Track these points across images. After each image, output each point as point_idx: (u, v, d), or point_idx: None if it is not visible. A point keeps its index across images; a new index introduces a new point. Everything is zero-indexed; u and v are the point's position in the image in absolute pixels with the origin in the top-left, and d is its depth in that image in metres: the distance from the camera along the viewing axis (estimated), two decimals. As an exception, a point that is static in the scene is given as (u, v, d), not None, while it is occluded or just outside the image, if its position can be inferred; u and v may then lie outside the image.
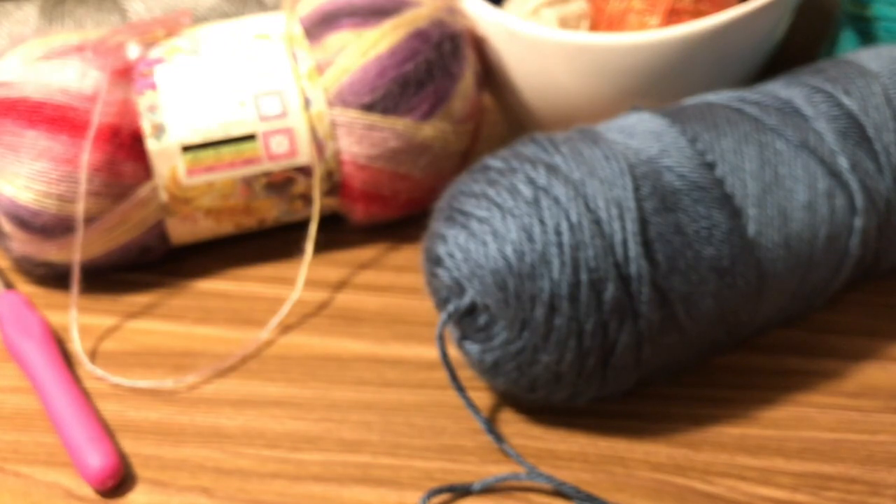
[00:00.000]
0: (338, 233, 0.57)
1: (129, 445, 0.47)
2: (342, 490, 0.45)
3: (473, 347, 0.46)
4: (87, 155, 0.50)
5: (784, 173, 0.46)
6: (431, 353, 0.50)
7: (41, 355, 0.49)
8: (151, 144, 0.52)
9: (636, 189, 0.44)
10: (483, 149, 0.52)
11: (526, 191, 0.44)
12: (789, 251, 0.46)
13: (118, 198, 0.51)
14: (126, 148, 0.51)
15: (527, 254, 0.43)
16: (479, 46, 0.56)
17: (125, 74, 0.52)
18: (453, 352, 0.47)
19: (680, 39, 0.53)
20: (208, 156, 0.52)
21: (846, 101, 0.49)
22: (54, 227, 0.51)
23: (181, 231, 0.54)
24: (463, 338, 0.46)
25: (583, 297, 0.42)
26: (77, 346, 0.51)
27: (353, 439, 0.47)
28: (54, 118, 0.50)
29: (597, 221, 0.43)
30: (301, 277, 0.53)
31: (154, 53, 0.53)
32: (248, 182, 0.53)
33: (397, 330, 0.52)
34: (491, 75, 0.57)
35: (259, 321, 0.53)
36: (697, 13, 0.54)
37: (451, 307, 0.44)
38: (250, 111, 0.52)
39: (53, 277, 0.54)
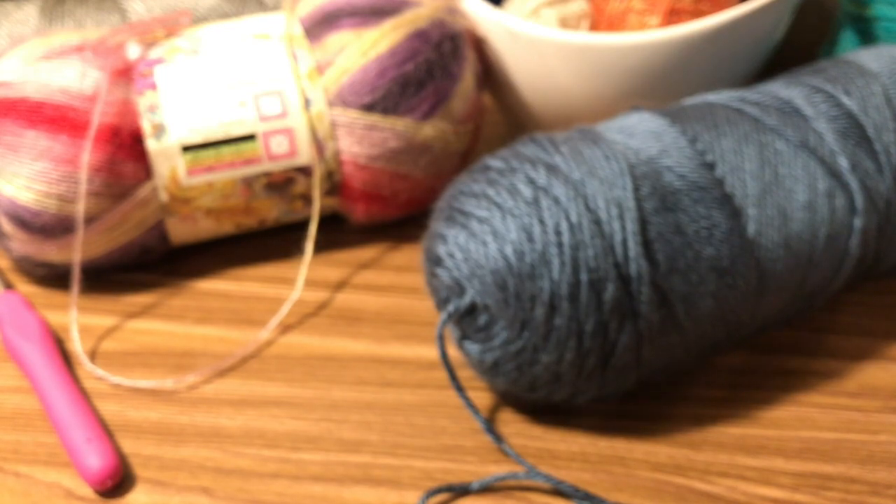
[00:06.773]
0: (338, 233, 0.57)
1: (129, 445, 0.47)
2: (342, 490, 0.45)
3: (473, 347, 0.46)
4: (87, 155, 0.50)
5: (784, 173, 0.46)
6: (431, 353, 0.50)
7: (40, 356, 0.49)
8: (151, 144, 0.52)
9: (636, 189, 0.44)
10: (483, 149, 0.52)
11: (526, 191, 0.44)
12: (789, 251, 0.46)
13: (118, 198, 0.51)
14: (126, 148, 0.51)
15: (527, 254, 0.43)
16: (479, 46, 0.56)
17: (125, 74, 0.52)
18: (453, 352, 0.47)
19: (680, 39, 0.53)
20: (208, 156, 0.52)
21: (846, 101, 0.49)
22: (54, 227, 0.51)
23: (181, 231, 0.54)
24: (463, 338, 0.46)
25: (583, 297, 0.42)
26: (77, 346, 0.51)
27: (353, 439, 0.47)
28: (54, 118, 0.50)
29: (597, 221, 0.43)
30: (301, 277, 0.53)
31: (154, 53, 0.53)
32: (248, 182, 0.53)
33: (397, 330, 0.52)
34: (491, 75, 0.57)
35: (259, 321, 0.53)
36: (697, 13, 0.54)
37: (451, 307, 0.44)
38: (250, 111, 0.52)
39: (53, 277, 0.54)
